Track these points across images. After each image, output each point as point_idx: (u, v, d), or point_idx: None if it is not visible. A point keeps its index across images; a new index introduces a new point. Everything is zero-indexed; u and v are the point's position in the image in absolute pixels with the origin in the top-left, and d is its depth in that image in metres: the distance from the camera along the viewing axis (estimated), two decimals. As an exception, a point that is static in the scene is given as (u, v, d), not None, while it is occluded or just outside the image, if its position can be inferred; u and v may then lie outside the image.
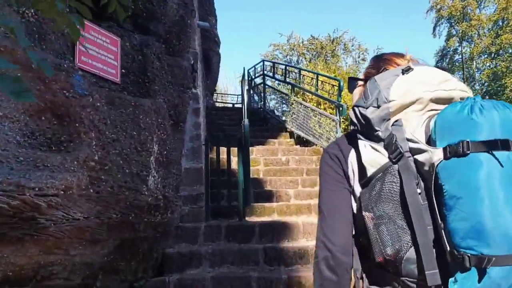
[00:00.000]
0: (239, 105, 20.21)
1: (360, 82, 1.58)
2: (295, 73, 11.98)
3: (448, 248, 1.12)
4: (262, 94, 14.30)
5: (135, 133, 3.80)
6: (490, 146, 1.11)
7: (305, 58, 22.82)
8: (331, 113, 10.26)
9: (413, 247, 1.19)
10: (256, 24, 64.88)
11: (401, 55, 1.53)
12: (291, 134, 11.17)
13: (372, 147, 1.29)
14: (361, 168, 1.33)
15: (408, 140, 1.25)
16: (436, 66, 1.41)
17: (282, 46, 23.79)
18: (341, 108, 8.82)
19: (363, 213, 1.28)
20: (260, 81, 14.90)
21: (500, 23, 28.13)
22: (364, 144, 1.32)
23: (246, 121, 5.99)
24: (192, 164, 6.13)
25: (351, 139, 1.40)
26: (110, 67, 4.01)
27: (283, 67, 12.95)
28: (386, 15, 59.01)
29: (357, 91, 1.58)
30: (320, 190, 1.45)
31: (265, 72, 14.26)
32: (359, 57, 22.67)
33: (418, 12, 47.89)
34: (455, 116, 1.17)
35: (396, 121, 1.28)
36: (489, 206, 1.06)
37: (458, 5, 28.85)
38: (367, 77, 1.48)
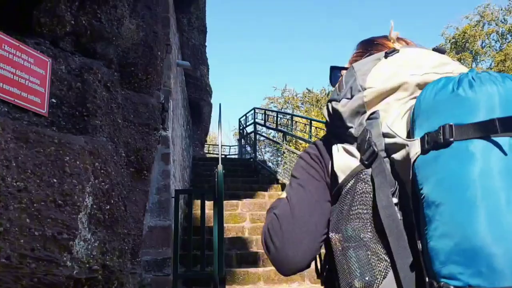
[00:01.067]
0: (232, 156, 19.29)
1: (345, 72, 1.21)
2: (287, 119, 11.07)
3: (427, 279, 0.81)
4: (253, 144, 13.38)
5: (55, 180, 2.78)
6: (484, 129, 0.78)
7: (300, 111, 22.43)
8: (326, 163, 9.30)
9: (387, 278, 0.90)
10: (251, 76, 65.12)
11: (402, 40, 1.21)
12: (283, 186, 10.15)
13: (345, 150, 1.03)
14: (333, 177, 1.06)
15: (385, 135, 0.96)
16: (434, 48, 1.09)
17: (276, 99, 23.71)
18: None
19: (330, 234, 1.01)
20: (251, 130, 14.02)
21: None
22: (337, 148, 1.05)
23: (219, 168, 4.95)
24: (158, 221, 5.07)
25: (328, 144, 1.12)
26: (32, 94, 3.04)
27: (275, 114, 12.09)
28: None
29: None
30: (290, 186, 1.15)
31: (256, 120, 13.39)
32: (355, 110, 22.10)
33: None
34: (436, 94, 0.86)
35: (372, 113, 0.99)
36: (484, 214, 0.72)
37: (453, 58, 28.55)
38: None
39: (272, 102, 23.76)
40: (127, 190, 4.12)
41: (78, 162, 2.98)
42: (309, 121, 9.80)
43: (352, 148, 1.01)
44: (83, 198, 2.97)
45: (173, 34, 7.21)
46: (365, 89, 1.00)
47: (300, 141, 10.70)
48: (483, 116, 0.79)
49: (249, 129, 14.52)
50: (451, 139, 0.80)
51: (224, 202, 8.35)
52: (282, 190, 10.13)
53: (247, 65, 64.86)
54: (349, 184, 0.99)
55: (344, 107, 1.03)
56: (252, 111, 13.99)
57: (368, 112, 1.01)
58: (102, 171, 3.28)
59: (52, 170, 2.79)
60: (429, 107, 0.87)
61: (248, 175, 11.72)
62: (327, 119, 1.10)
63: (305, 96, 22.78)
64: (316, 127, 9.69)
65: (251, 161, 12.69)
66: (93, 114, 3.37)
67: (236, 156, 16.83)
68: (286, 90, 23.64)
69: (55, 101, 3.23)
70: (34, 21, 3.22)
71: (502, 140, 0.78)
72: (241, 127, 15.77)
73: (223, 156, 19.52)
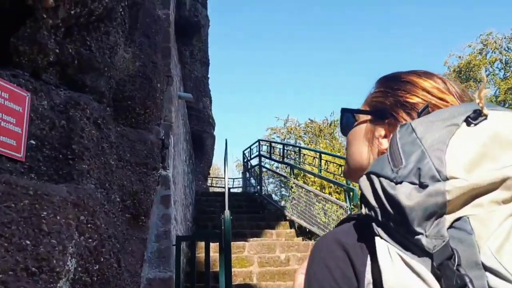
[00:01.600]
0: (235, 190, 18.73)
1: (364, 117, 0.94)
2: (295, 152, 10.53)
3: None
4: (258, 178, 12.86)
5: (28, 242, 2.27)
6: None
7: (303, 141, 22.12)
8: (337, 198, 8.73)
9: None
10: (254, 107, 64.99)
11: (438, 78, 0.92)
12: (291, 223, 9.59)
13: (407, 264, 0.64)
14: None
15: (488, 269, 0.59)
16: None
17: (279, 129, 23.49)
18: (351, 193, 7.25)
19: None
20: (256, 163, 13.51)
21: (502, 105, 27.17)
22: (388, 252, 0.66)
23: (226, 214, 4.39)
24: (158, 273, 4.51)
25: (363, 234, 0.73)
26: (5, 136, 2.55)
27: (281, 146, 11.59)
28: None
29: (359, 133, 0.94)
30: None
31: (261, 152, 12.88)
32: (360, 139, 21.81)
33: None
34: None
35: (457, 219, 0.63)
36: None
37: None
38: (378, 110, 0.91)
39: (274, 133, 23.49)
40: (121, 241, 3.62)
41: (58, 217, 2.45)
42: (318, 154, 9.26)
43: (420, 266, 0.63)
44: (64, 262, 2.44)
45: (174, 65, 6.79)
46: (447, 178, 0.64)
47: (309, 175, 10.12)
48: None
49: (254, 161, 14.02)
50: None
51: (230, 243, 7.81)
52: (291, 228, 9.59)
53: (248, 96, 64.79)
54: None
55: (410, 199, 0.65)
56: (257, 143, 13.51)
57: (450, 217, 0.65)
58: (89, 225, 2.75)
59: (24, 230, 2.26)
60: None
61: (253, 211, 11.18)
62: (371, 202, 0.71)
63: (308, 126, 22.51)
64: (326, 161, 9.15)
65: (256, 196, 12.14)
66: (79, 157, 2.86)
67: (240, 190, 16.28)
68: (289, 120, 23.38)
69: (34, 142, 2.73)
70: (11, 49, 2.75)
71: None
72: (245, 160, 15.27)
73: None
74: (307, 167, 9.81)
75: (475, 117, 0.70)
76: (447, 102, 0.87)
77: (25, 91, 2.73)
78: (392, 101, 0.90)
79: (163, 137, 4.96)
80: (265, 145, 12.96)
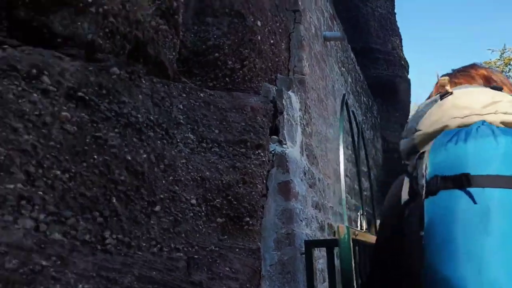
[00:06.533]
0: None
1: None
2: None
3: None
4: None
5: None
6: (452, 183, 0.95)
7: (526, 72, 18.09)
8: None
9: None
10: (463, 42, 57.58)
11: (475, 68, 1.31)
12: None
13: (406, 183, 1.17)
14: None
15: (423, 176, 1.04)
16: (493, 87, 1.12)
17: (494, 62, 19.59)
18: None
19: None
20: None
21: None
22: (406, 181, 1.17)
23: (342, 231, 2.38)
24: (280, 295, 3.09)
25: None
26: None
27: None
28: None
29: None
30: None
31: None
32: None
33: None
34: (434, 144, 1.04)
35: (421, 153, 1.09)
36: None
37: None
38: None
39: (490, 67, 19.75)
40: (207, 262, 2.32)
41: None
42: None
43: (407, 182, 1.14)
44: None
45: (312, -5, 5.08)
46: (417, 131, 1.10)
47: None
48: (455, 171, 0.94)
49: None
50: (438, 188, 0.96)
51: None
52: None
53: (453, 29, 57.58)
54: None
55: (403, 145, 1.16)
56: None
57: (420, 152, 1.09)
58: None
59: None
60: (430, 156, 1.01)
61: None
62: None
63: (532, 53, 18.26)
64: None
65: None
66: (3, 168, 1.53)
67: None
68: (506, 50, 19.24)
69: None
70: None
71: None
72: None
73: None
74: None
75: (444, 94, 1.10)
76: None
77: None
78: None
79: (275, 98, 3.41)
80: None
